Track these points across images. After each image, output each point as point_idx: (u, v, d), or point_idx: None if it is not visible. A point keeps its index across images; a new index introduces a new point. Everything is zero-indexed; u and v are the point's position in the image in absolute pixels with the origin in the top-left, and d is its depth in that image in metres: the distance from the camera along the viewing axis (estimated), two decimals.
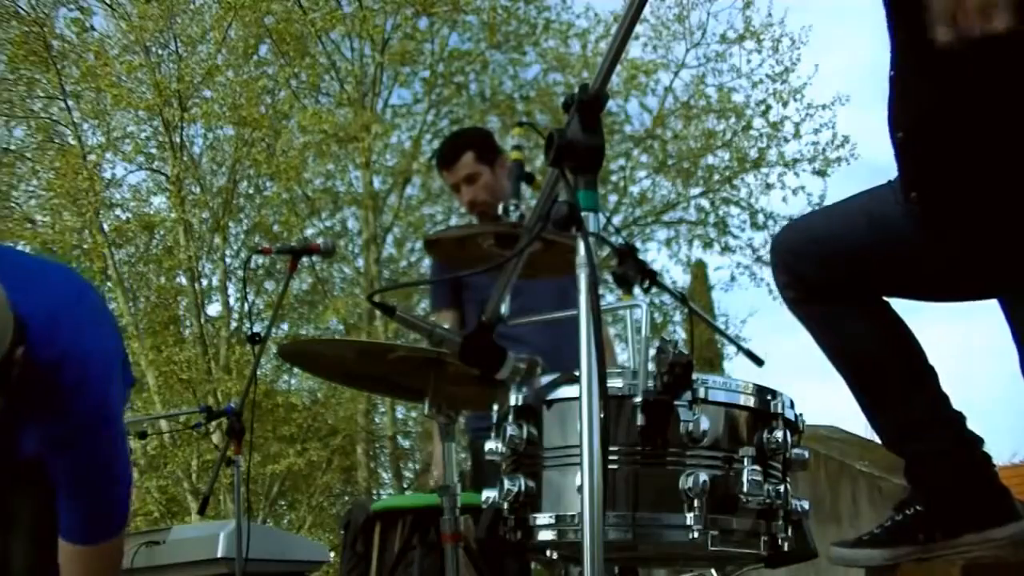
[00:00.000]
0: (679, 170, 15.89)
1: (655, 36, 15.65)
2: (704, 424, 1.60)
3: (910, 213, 1.86)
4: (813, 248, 2.05)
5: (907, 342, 2.06)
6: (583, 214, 1.36)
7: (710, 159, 15.97)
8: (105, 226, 14.94)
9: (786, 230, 2.20)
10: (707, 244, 16.31)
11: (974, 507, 1.99)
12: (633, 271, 1.95)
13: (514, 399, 1.72)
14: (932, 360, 2.07)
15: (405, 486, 15.30)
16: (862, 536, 2.10)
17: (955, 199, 1.81)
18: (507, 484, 1.65)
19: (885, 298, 2.07)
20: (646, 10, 1.53)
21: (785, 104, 15.56)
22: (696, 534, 1.55)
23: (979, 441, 2.05)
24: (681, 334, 14.67)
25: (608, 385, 1.49)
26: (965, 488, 2.01)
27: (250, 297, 15.51)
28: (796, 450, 1.73)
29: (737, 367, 19.04)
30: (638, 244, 2.39)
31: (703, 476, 1.56)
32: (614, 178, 15.51)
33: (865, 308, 2.04)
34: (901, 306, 2.09)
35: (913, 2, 1.73)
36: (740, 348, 2.43)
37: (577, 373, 1.31)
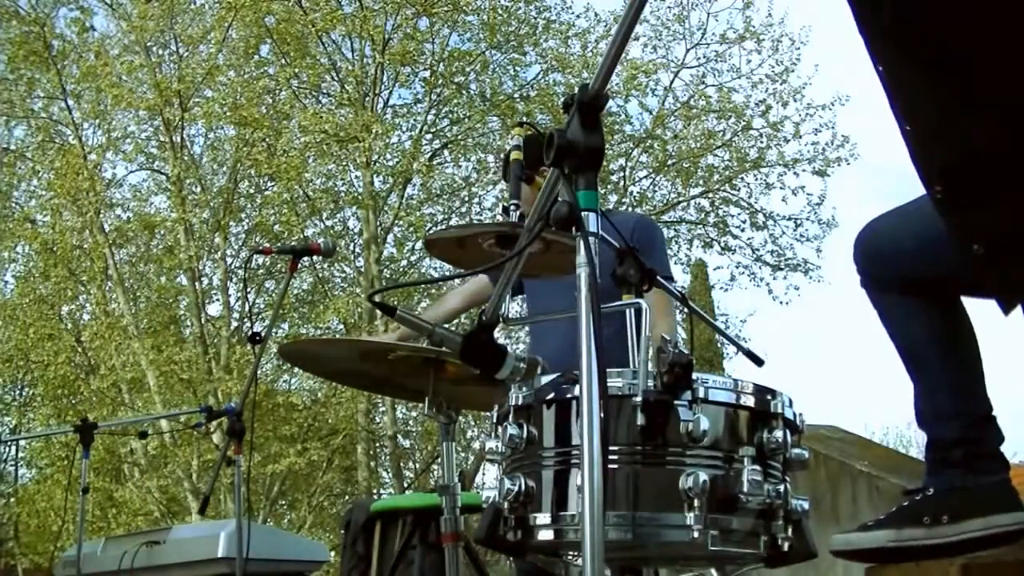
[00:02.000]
0: (679, 170, 15.89)
1: (655, 36, 15.68)
2: (704, 424, 1.60)
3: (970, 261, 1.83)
4: (882, 251, 2.20)
5: (956, 338, 2.16)
6: (583, 214, 1.36)
7: (710, 159, 15.99)
8: (105, 226, 14.94)
9: (868, 227, 2.29)
10: (707, 244, 16.32)
11: (981, 494, 2.03)
12: (633, 271, 1.95)
13: (514, 399, 1.72)
14: None
15: (405, 486, 15.30)
16: (873, 520, 2.12)
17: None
18: (507, 484, 1.65)
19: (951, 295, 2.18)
20: (646, 10, 1.52)
21: (785, 104, 15.59)
22: (696, 534, 1.55)
23: (991, 437, 2.11)
24: (681, 334, 14.67)
25: (608, 385, 1.49)
26: (968, 475, 2.05)
27: (251, 297, 15.53)
28: (796, 450, 1.73)
29: (737, 367, 19.07)
30: None
31: (703, 476, 1.56)
32: (614, 178, 15.51)
33: (923, 299, 2.15)
34: None
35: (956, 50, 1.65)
36: (740, 348, 2.44)
37: (577, 373, 1.31)
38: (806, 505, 1.71)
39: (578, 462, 1.30)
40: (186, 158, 14.89)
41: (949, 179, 1.75)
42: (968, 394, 2.12)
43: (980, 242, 1.74)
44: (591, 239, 1.35)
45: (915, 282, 2.14)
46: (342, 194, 15.19)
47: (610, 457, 1.45)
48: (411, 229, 15.01)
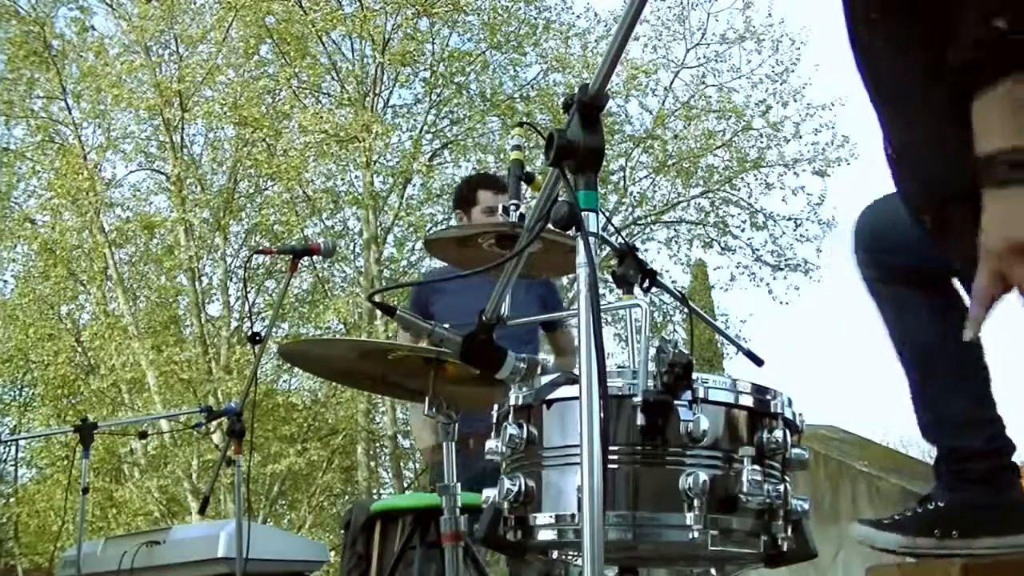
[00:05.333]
0: (679, 170, 15.90)
1: (655, 36, 15.70)
2: (704, 424, 1.60)
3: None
4: (892, 233, 2.02)
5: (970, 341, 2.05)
6: (583, 214, 1.36)
7: (710, 159, 16.00)
8: (105, 226, 14.94)
9: (870, 209, 2.16)
10: (707, 244, 16.33)
11: (995, 511, 1.99)
12: (633, 271, 1.96)
13: (514, 399, 1.72)
14: None
15: (405, 486, 15.30)
16: (888, 517, 2.09)
17: None
18: (507, 484, 1.65)
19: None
20: (646, 10, 1.50)
21: (785, 104, 15.61)
22: (696, 534, 1.55)
23: (1011, 448, 2.05)
24: (681, 334, 14.68)
25: (608, 385, 1.49)
26: (988, 492, 2.01)
27: (251, 297, 15.53)
28: (796, 450, 1.72)
29: (737, 367, 19.07)
30: (638, 244, 2.39)
31: (703, 476, 1.56)
32: (614, 178, 15.52)
33: (934, 295, 2.04)
34: None
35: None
36: (740, 348, 2.44)
37: (577, 373, 1.31)
38: (806, 505, 1.71)
39: (578, 462, 1.29)
40: (186, 158, 14.90)
41: (936, 210, 1.67)
42: (987, 401, 2.05)
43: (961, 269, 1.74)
44: (591, 239, 1.35)
45: (923, 273, 2.02)
46: (342, 194, 15.21)
47: (610, 457, 1.45)
48: (411, 229, 15.02)
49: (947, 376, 2.06)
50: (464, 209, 3.81)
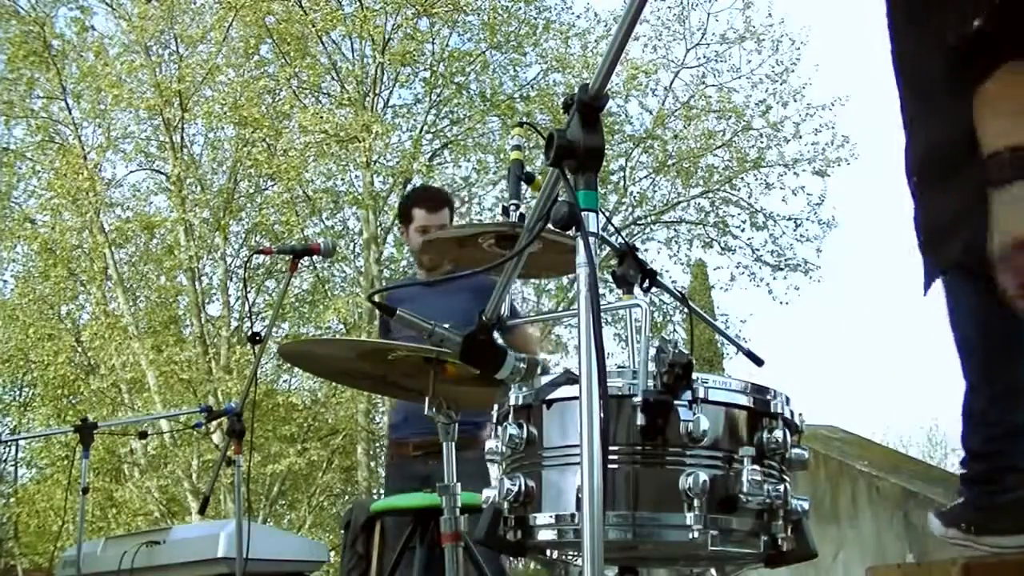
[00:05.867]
0: (679, 170, 15.90)
1: (655, 36, 15.71)
2: (704, 424, 1.59)
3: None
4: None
5: (999, 337, 2.02)
6: (583, 214, 1.36)
7: (710, 159, 16.00)
8: (105, 226, 14.94)
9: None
10: (707, 244, 16.34)
11: (996, 513, 2.02)
12: (633, 271, 1.96)
13: (514, 399, 1.72)
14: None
15: None
16: (940, 508, 2.16)
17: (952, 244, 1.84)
18: (507, 484, 1.65)
19: None
20: (646, 10, 1.52)
21: (785, 104, 15.62)
22: (696, 534, 1.55)
23: (1012, 450, 2.04)
24: (681, 334, 14.68)
25: (608, 385, 1.49)
26: (988, 492, 2.04)
27: (251, 297, 15.52)
28: (796, 450, 1.72)
29: (737, 367, 19.08)
30: (638, 244, 2.40)
31: (703, 476, 1.56)
32: (614, 178, 15.52)
33: (980, 288, 1.97)
34: None
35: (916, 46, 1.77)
36: (740, 348, 2.44)
37: (577, 373, 1.31)
38: (806, 505, 1.71)
39: (578, 462, 1.29)
40: (186, 158, 14.89)
41: (917, 174, 1.89)
42: (1005, 401, 2.03)
43: (924, 235, 1.90)
44: (591, 239, 1.35)
45: (970, 265, 1.94)
46: (342, 194, 15.21)
47: (610, 457, 1.45)
48: None
49: (975, 370, 2.07)
50: (404, 225, 3.82)
